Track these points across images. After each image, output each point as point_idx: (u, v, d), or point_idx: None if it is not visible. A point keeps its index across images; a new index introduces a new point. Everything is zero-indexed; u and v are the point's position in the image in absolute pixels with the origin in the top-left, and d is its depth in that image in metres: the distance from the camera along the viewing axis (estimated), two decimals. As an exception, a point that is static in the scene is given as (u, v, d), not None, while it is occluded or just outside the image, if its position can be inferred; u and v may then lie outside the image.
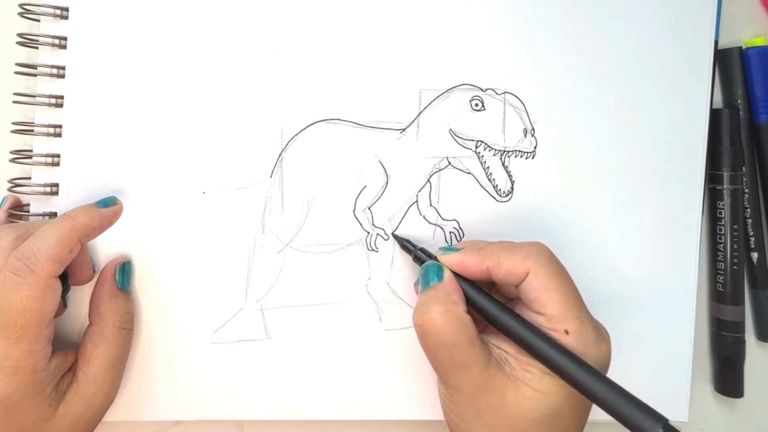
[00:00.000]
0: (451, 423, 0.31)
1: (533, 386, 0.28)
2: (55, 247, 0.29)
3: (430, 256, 0.33)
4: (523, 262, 0.29)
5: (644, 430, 0.25)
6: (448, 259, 0.31)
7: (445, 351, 0.29)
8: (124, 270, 0.33)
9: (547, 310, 0.29)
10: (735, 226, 0.39)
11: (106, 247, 0.34)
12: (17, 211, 0.33)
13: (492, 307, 0.30)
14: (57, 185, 0.33)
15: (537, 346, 0.28)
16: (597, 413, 0.37)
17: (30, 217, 0.33)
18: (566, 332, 0.28)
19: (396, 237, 0.35)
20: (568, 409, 0.29)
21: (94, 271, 0.33)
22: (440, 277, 0.31)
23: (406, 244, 0.35)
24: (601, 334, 0.30)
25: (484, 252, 0.31)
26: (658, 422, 0.25)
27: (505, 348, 0.30)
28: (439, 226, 0.36)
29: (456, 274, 0.31)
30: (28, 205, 0.34)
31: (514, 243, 0.31)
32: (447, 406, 0.31)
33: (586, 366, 0.27)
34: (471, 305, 0.31)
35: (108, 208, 0.33)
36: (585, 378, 0.27)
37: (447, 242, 0.36)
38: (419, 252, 0.34)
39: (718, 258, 0.40)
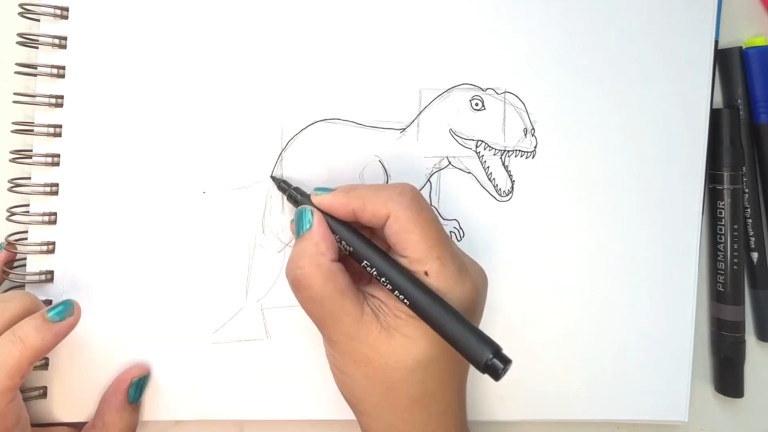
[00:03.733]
0: (337, 380, 0.31)
1: (402, 332, 0.28)
2: (3, 380, 0.27)
3: (305, 195, 0.32)
4: (385, 204, 0.29)
5: (477, 355, 0.25)
6: (319, 200, 0.31)
7: (316, 304, 0.29)
8: (139, 385, 0.33)
9: (407, 252, 0.28)
10: (735, 226, 0.39)
11: (105, 258, 0.34)
12: (10, 268, 0.33)
13: (361, 247, 0.29)
14: (57, 185, 0.33)
15: (391, 278, 0.28)
16: (616, 413, 0.37)
17: (29, 220, 0.33)
18: (426, 273, 0.28)
19: (273, 178, 0.34)
20: (438, 354, 0.28)
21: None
22: (311, 223, 0.30)
23: (281, 185, 0.34)
24: (466, 272, 0.29)
25: (352, 194, 0.30)
26: (490, 349, 0.25)
27: (378, 296, 0.29)
28: (439, 226, 0.36)
29: (332, 217, 0.30)
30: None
31: (381, 186, 0.31)
32: (331, 361, 0.30)
33: (429, 293, 0.27)
34: (343, 249, 0.30)
35: (62, 323, 0.30)
36: (428, 305, 0.27)
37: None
38: (293, 191, 0.33)
39: (718, 258, 0.40)
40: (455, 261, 0.29)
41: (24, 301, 0.30)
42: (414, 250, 0.28)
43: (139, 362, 0.34)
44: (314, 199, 0.31)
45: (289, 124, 0.35)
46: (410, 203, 0.29)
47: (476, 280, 0.30)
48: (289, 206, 0.35)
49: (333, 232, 0.30)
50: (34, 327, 0.29)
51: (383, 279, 0.28)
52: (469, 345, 0.26)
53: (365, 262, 0.29)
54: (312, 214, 0.30)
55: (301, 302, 0.30)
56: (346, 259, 0.30)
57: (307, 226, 0.30)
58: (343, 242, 0.30)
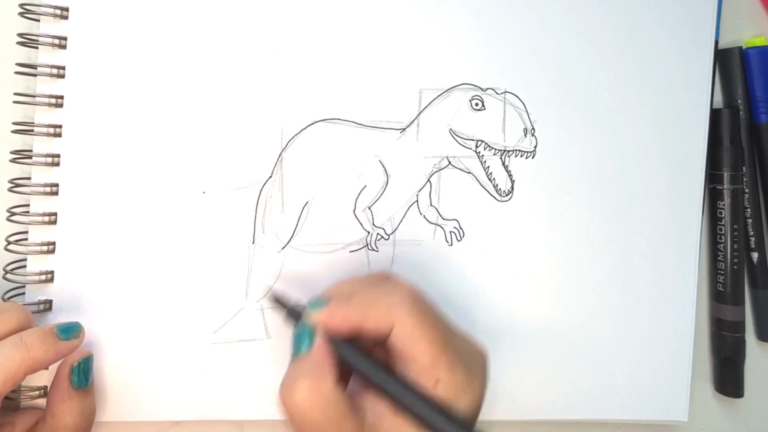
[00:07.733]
0: None
1: None
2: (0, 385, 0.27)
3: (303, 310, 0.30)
4: (388, 313, 0.27)
5: None
6: (315, 319, 0.29)
7: (313, 431, 0.26)
8: (80, 369, 0.31)
9: (416, 361, 0.27)
10: (735, 226, 0.39)
11: (105, 258, 0.34)
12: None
13: (367, 368, 0.28)
14: (57, 185, 0.33)
15: (405, 402, 0.27)
16: (607, 413, 0.37)
17: (29, 220, 0.33)
18: (437, 381, 0.27)
19: (274, 295, 0.32)
20: None
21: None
22: (311, 343, 0.28)
23: (279, 301, 0.32)
24: (472, 372, 0.28)
25: (351, 304, 0.28)
26: None
27: (380, 410, 0.27)
28: (439, 225, 0.36)
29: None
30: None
31: (378, 288, 0.29)
32: None
33: (454, 419, 0.26)
34: (346, 367, 0.28)
35: (66, 343, 0.30)
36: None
37: (447, 242, 0.36)
38: (291, 309, 0.31)
39: (718, 258, 0.40)
40: (462, 364, 0.28)
41: (19, 316, 0.29)
42: (422, 358, 0.27)
43: (84, 347, 0.32)
44: (311, 318, 0.29)
45: (289, 124, 0.35)
46: (413, 308, 0.28)
47: (483, 376, 0.29)
48: (289, 206, 0.35)
49: (335, 350, 0.28)
50: (41, 337, 0.29)
51: (404, 410, 0.27)
52: None
53: (378, 388, 0.27)
54: (309, 336, 0.28)
55: (294, 429, 0.27)
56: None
57: (305, 348, 0.28)
58: (348, 364, 0.28)
